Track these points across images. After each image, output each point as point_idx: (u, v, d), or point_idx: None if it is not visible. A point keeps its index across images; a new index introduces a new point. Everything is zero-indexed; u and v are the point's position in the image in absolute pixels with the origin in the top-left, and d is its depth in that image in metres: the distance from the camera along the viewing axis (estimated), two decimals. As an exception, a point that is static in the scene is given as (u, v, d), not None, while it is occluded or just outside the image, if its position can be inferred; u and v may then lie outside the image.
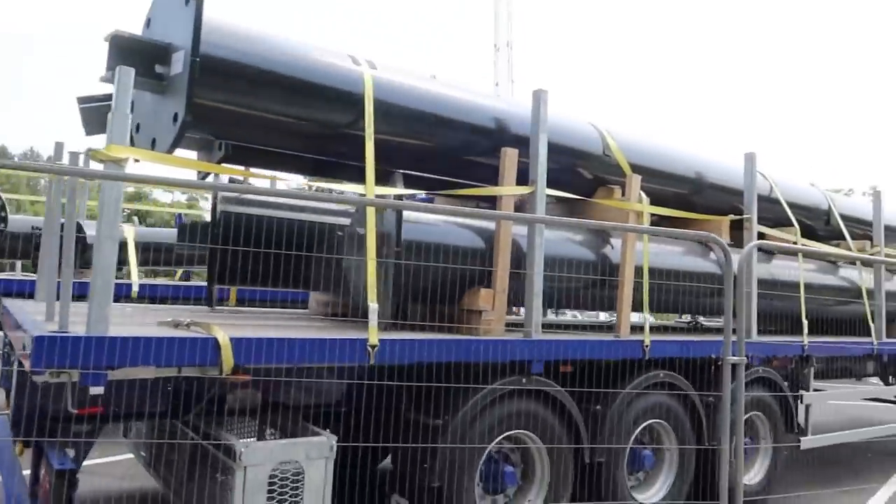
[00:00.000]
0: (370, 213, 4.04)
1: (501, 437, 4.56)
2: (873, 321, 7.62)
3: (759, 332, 7.57)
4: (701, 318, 9.05)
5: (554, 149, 5.40)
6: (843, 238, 8.01)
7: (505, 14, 42.38)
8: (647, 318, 5.26)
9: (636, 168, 5.96)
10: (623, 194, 5.64)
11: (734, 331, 4.01)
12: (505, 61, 40.94)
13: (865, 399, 9.65)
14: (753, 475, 6.47)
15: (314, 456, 3.74)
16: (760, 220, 7.24)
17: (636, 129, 6.52)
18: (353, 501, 4.40)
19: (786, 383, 6.61)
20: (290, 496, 3.67)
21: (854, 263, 7.85)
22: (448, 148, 4.96)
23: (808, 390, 6.96)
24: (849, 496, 7.00)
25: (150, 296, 7.61)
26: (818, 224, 8.10)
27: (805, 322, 6.70)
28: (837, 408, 12.48)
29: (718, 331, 7.49)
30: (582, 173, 5.70)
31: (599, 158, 5.63)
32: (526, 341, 4.56)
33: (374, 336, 3.87)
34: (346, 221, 5.38)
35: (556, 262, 5.12)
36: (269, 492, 3.61)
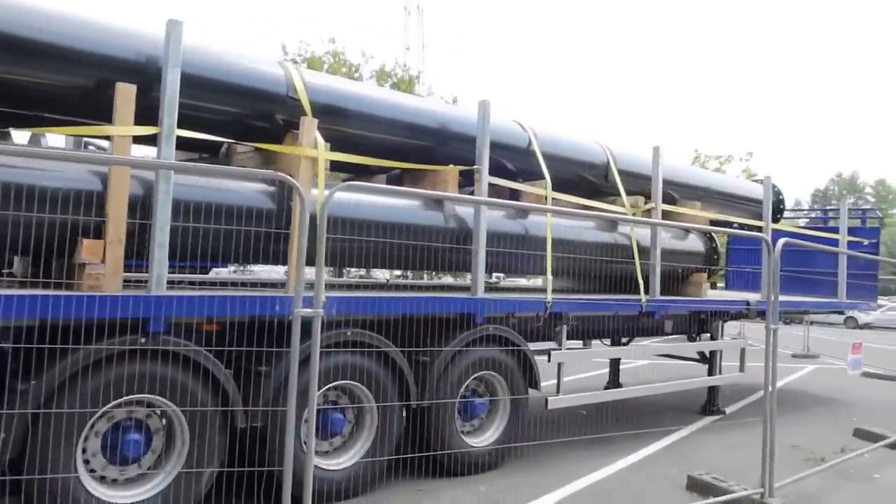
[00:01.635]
0: None
1: (115, 403, 4.16)
2: (643, 278, 7.46)
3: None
4: (500, 276, 8.79)
5: (222, 88, 4.98)
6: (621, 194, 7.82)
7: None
8: (320, 274, 4.88)
9: (344, 114, 5.58)
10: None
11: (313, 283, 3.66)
12: (416, 25, 40.01)
13: (661, 356, 9.68)
14: (489, 436, 6.27)
15: None
16: (519, 173, 7.00)
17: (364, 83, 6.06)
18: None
19: (526, 342, 6.38)
20: None
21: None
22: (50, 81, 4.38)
23: (560, 348, 6.78)
24: (601, 454, 6.90)
25: None
26: (599, 180, 7.89)
27: (549, 278, 6.47)
28: (678, 368, 12.63)
29: (534, 289, 7.19)
30: (275, 118, 5.26)
31: (285, 101, 5.19)
32: (135, 297, 4.13)
33: None
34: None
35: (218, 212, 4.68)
36: None
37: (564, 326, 6.75)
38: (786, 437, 8.39)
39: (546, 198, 6.68)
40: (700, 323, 9.06)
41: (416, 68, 30.46)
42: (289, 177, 3.58)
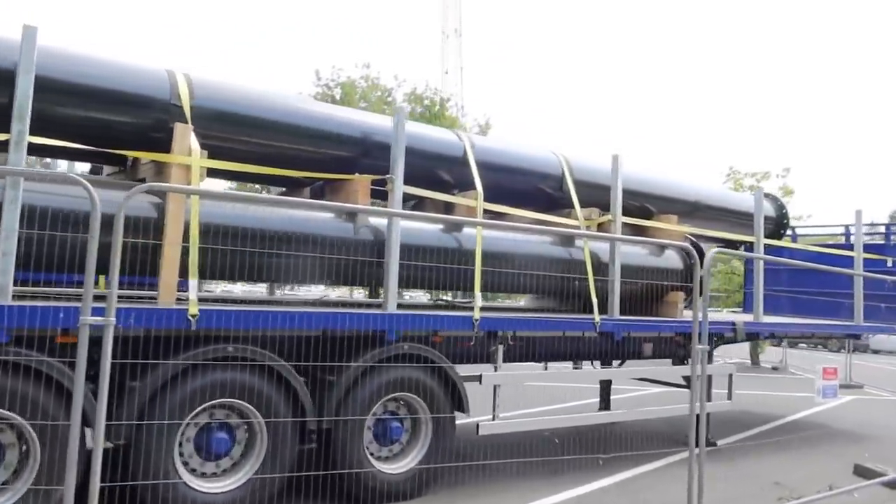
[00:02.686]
0: None
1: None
2: (597, 296, 6.95)
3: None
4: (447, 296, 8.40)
5: (99, 96, 4.90)
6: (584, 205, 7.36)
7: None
8: (193, 285, 4.69)
9: (243, 122, 5.44)
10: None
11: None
12: (454, 49, 40.18)
13: (638, 379, 9.03)
14: (408, 462, 5.87)
15: None
16: (456, 185, 6.69)
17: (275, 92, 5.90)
18: None
19: (448, 361, 5.98)
20: None
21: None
22: None
23: (496, 369, 6.35)
24: (550, 484, 6.40)
25: None
26: (555, 191, 7.46)
27: (478, 294, 6.08)
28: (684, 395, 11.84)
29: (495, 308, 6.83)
30: (165, 126, 5.12)
31: (169, 108, 5.06)
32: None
33: None
34: None
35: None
36: None
37: (500, 347, 6.34)
38: (773, 472, 7.65)
39: (477, 209, 6.31)
40: (684, 346, 8.42)
41: (450, 91, 30.43)
42: (78, 176, 3.39)
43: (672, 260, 8.22)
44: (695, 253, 5.15)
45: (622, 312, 7.35)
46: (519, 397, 8.45)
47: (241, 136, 5.47)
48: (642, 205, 8.36)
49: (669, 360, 8.55)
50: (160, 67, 5.16)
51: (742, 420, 10.88)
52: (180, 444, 4.87)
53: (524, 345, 6.77)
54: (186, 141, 4.81)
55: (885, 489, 7.19)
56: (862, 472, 7.63)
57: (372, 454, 5.74)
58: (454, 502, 5.77)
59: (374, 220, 5.91)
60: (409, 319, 5.68)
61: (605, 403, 9.90)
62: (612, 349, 7.63)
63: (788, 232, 13.16)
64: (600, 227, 7.29)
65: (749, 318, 8.67)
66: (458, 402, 6.05)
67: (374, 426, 5.76)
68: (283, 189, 6.86)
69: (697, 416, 5.05)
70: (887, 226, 11.03)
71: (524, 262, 6.72)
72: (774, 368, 19.45)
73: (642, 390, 12.54)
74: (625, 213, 7.82)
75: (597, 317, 6.84)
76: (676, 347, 8.49)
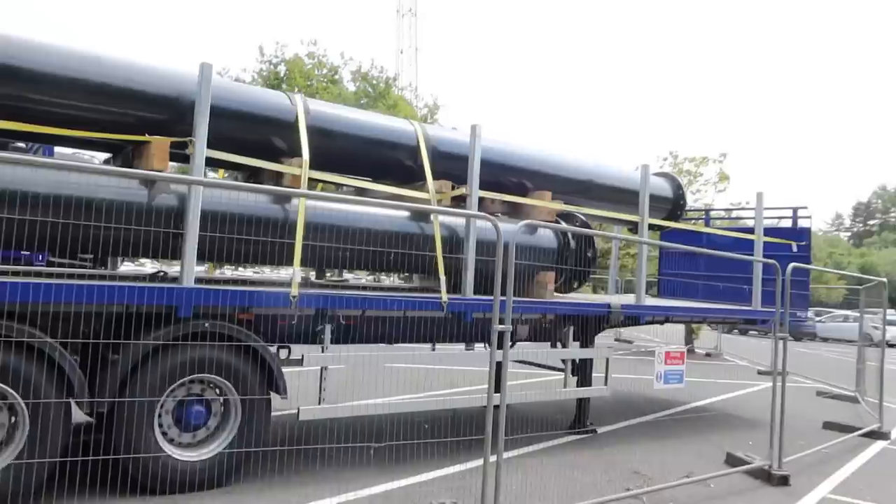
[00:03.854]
0: None
1: None
2: (445, 273, 6.54)
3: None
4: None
5: None
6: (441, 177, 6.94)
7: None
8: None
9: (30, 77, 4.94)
10: None
11: None
12: (408, 28, 39.48)
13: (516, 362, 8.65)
14: (213, 449, 5.44)
15: None
16: (291, 152, 6.23)
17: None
18: None
19: (260, 340, 5.54)
20: None
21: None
22: None
23: (324, 350, 5.92)
24: (382, 473, 6.01)
25: None
26: (409, 162, 7.02)
27: (297, 269, 5.63)
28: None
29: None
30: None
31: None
32: None
33: None
34: None
35: None
36: None
37: (328, 326, 5.91)
38: (641, 460, 7.30)
39: (301, 178, 5.85)
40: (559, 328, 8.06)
41: (397, 70, 29.82)
42: None
43: (545, 239, 7.85)
44: (496, 222, 4.74)
45: (487, 292, 6.94)
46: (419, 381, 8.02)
47: (23, 93, 4.96)
48: (520, 181, 7.96)
49: (548, 344, 8.22)
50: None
51: (640, 405, 10.59)
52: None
53: (365, 325, 6.35)
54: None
55: (748, 478, 6.92)
56: (732, 460, 7.35)
57: (171, 440, 5.31)
58: (260, 492, 5.35)
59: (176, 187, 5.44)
60: (207, 294, 5.22)
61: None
62: (473, 330, 7.23)
63: (701, 215, 12.92)
64: (455, 200, 6.87)
65: (630, 300, 8.33)
66: (275, 385, 5.62)
67: (172, 410, 5.32)
68: (110, 156, 6.38)
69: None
70: (794, 209, 10.73)
71: (365, 237, 6.30)
72: (707, 354, 19.29)
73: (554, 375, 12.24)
74: (498, 189, 7.43)
75: (444, 296, 6.43)
76: (556, 330, 8.15)
